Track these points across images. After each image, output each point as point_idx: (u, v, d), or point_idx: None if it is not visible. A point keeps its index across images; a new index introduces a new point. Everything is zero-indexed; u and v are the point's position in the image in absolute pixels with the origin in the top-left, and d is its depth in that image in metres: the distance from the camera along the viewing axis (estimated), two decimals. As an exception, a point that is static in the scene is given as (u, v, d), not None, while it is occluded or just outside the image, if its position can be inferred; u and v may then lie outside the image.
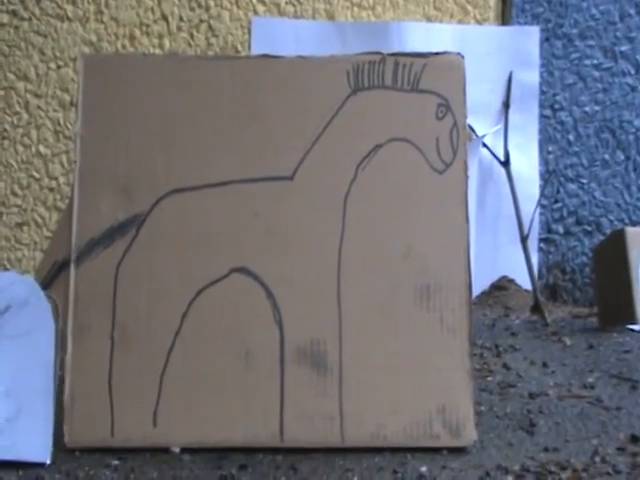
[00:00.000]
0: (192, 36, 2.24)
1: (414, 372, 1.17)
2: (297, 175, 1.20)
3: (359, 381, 1.17)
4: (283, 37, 2.21)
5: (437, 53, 1.22)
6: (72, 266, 1.18)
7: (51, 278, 1.18)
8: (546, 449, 1.17)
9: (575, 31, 2.43)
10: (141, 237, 1.18)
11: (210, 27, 2.24)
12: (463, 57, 1.22)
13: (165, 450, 1.14)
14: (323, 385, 1.17)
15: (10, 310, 1.11)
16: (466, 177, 1.20)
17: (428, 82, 1.21)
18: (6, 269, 2.21)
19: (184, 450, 1.14)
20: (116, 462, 1.11)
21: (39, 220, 2.24)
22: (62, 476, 1.07)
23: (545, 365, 1.65)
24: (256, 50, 2.17)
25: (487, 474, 1.07)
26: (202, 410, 1.16)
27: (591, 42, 2.44)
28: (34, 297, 1.13)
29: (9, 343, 1.11)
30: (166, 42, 2.23)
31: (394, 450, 1.15)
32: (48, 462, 1.09)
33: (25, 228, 2.24)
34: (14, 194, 2.24)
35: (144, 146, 1.20)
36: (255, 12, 2.25)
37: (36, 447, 1.10)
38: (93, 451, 1.14)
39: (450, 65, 1.22)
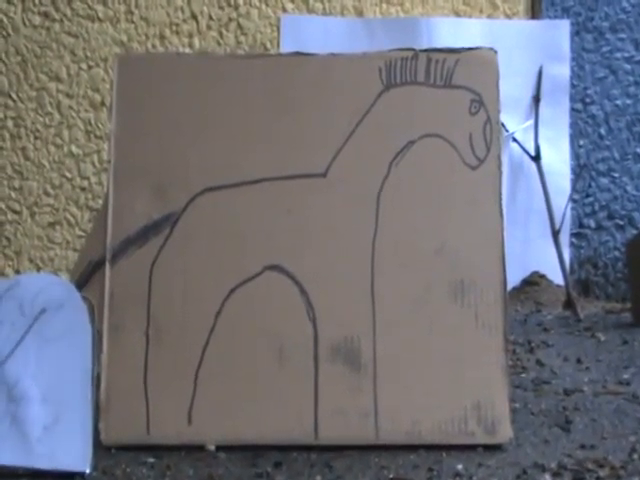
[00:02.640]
0: (221, 35, 2.24)
1: (449, 368, 1.17)
2: (330, 172, 1.20)
3: (393, 378, 1.16)
4: (312, 34, 2.21)
5: (470, 48, 1.21)
6: (107, 265, 1.18)
7: (86, 278, 1.19)
8: (583, 446, 1.16)
9: (606, 24, 2.41)
10: (175, 236, 1.19)
11: (239, 25, 2.25)
12: (496, 52, 1.21)
13: (200, 448, 1.15)
14: (357, 382, 1.17)
15: (46, 313, 1.10)
16: (500, 172, 1.19)
17: (461, 77, 1.20)
18: (39, 268, 2.23)
19: (219, 448, 1.15)
20: (152, 460, 1.12)
21: (71, 219, 2.26)
22: (99, 474, 1.08)
23: (579, 361, 1.64)
24: (285, 47, 2.17)
25: (524, 472, 1.07)
26: (237, 408, 1.16)
27: (622, 35, 2.41)
28: (70, 299, 1.11)
29: (45, 347, 1.09)
30: (196, 41, 2.23)
31: (429, 447, 1.15)
32: (87, 471, 1.07)
33: (57, 227, 2.25)
34: (46, 194, 2.25)
35: (177, 145, 1.20)
36: (284, 9, 2.25)
37: (75, 455, 1.07)
38: (129, 449, 1.14)
39: (483, 60, 1.21)
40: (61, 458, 1.06)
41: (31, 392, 1.08)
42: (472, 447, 1.15)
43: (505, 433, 1.15)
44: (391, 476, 1.07)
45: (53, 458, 1.06)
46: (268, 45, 2.25)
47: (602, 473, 1.06)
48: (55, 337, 1.10)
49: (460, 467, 1.09)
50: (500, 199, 1.19)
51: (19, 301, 1.10)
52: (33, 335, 1.09)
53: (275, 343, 1.17)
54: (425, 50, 1.21)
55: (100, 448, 1.14)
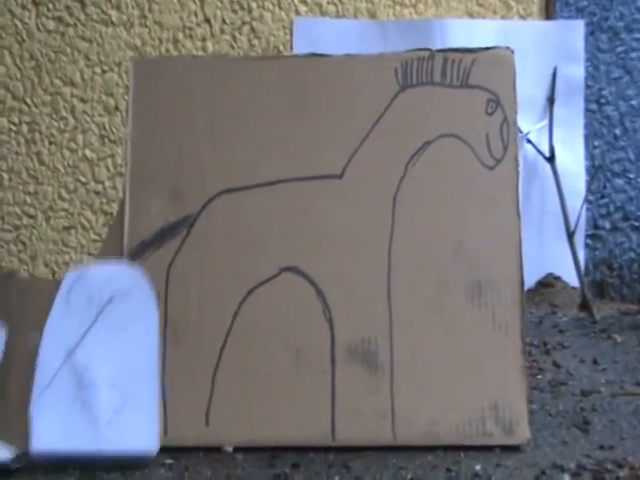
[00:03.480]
0: (235, 38, 2.24)
1: (466, 369, 1.16)
2: (346, 173, 1.20)
3: (411, 379, 1.16)
4: (325, 37, 2.21)
5: (486, 48, 1.21)
6: (124, 267, 1.19)
7: (103, 279, 1.20)
8: (602, 447, 1.15)
9: (621, 24, 2.40)
10: (192, 238, 1.19)
11: (252, 29, 2.25)
12: (513, 52, 1.21)
13: (218, 449, 1.15)
14: (374, 383, 1.17)
15: (113, 301, 1.12)
16: (517, 173, 1.19)
17: (477, 77, 1.20)
18: (54, 272, 2.24)
19: (237, 449, 1.15)
20: (170, 461, 1.12)
21: (86, 224, 2.26)
22: (118, 475, 1.08)
23: (596, 362, 1.63)
24: (298, 50, 2.17)
25: (543, 472, 1.06)
26: (254, 409, 1.16)
27: (637, 35, 2.40)
28: (137, 286, 1.14)
29: (114, 333, 1.12)
30: (209, 45, 2.24)
31: (446, 448, 1.15)
32: (155, 450, 1.10)
33: (72, 231, 2.26)
34: (61, 198, 2.26)
35: (193, 147, 1.21)
36: (297, 12, 2.26)
37: (144, 437, 1.10)
38: (147, 450, 1.15)
39: (500, 60, 1.21)
40: (130, 441, 1.09)
41: (100, 378, 1.11)
42: (490, 448, 1.15)
43: (523, 434, 1.15)
44: (409, 477, 1.07)
45: (122, 441, 1.09)
46: (281, 48, 2.25)
47: (621, 473, 1.06)
48: (123, 324, 1.12)
49: (478, 468, 1.09)
50: (517, 199, 1.19)
51: (88, 291, 1.13)
52: (101, 323, 1.12)
53: (292, 344, 1.17)
54: (441, 50, 1.21)
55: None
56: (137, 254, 1.19)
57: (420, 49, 1.22)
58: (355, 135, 1.20)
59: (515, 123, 1.20)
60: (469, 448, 1.15)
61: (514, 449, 1.14)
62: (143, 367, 1.12)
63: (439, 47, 1.23)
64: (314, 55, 1.23)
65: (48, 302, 1.12)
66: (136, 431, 1.10)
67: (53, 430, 1.09)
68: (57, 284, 1.13)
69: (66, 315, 1.12)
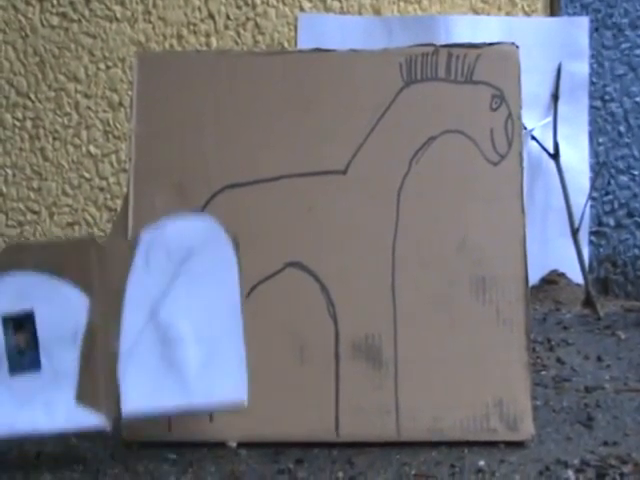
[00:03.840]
0: (239, 34, 2.24)
1: (470, 365, 1.16)
2: (350, 169, 1.20)
3: (415, 375, 1.16)
4: (329, 33, 2.21)
5: (491, 43, 1.21)
6: (128, 262, 1.19)
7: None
8: (605, 443, 1.15)
9: (625, 21, 2.39)
10: (196, 233, 1.19)
11: (257, 25, 2.25)
12: (517, 47, 1.20)
13: (222, 445, 1.15)
14: (378, 379, 1.17)
15: (192, 253, 1.10)
16: (521, 169, 1.19)
17: (482, 73, 1.20)
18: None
19: (241, 445, 1.15)
20: (174, 456, 1.12)
21: (90, 220, 2.27)
22: (121, 470, 1.08)
23: (600, 359, 1.63)
24: (302, 46, 2.17)
25: (547, 468, 1.06)
26: (258, 405, 1.15)
27: (642, 32, 2.40)
28: (214, 237, 1.11)
29: (194, 288, 1.10)
30: (213, 41, 2.24)
31: (450, 444, 1.15)
32: (244, 399, 1.07)
33: (76, 227, 2.26)
34: (65, 194, 2.26)
35: (198, 142, 1.21)
36: (301, 8, 2.26)
37: (232, 388, 1.08)
38: (150, 445, 1.15)
39: (504, 55, 1.21)
40: (219, 392, 1.08)
41: (185, 333, 1.09)
42: (494, 444, 1.14)
43: (527, 430, 1.15)
44: (413, 472, 1.07)
45: (211, 393, 1.08)
46: (286, 44, 2.25)
47: (625, 469, 1.06)
48: (203, 276, 1.10)
49: (482, 463, 1.09)
50: (522, 195, 1.18)
51: (166, 246, 1.11)
52: (182, 277, 1.10)
53: (296, 340, 1.17)
54: (446, 45, 1.21)
55: (122, 444, 1.15)
56: (141, 249, 1.19)
57: (424, 44, 1.21)
58: (359, 131, 1.20)
59: (520, 119, 1.20)
60: (473, 444, 1.15)
61: (518, 445, 1.14)
62: (226, 318, 1.09)
63: (444, 43, 1.22)
64: (318, 50, 1.23)
65: (128, 263, 1.10)
66: (225, 383, 1.08)
67: (142, 391, 1.07)
68: (135, 244, 1.10)
69: (146, 273, 1.09)
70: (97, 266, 1.09)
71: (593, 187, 2.35)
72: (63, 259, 1.09)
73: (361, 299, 1.17)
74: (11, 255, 1.10)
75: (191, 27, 2.24)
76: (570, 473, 1.05)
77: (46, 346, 1.07)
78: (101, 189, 2.27)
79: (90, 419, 1.06)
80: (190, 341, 1.09)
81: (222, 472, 1.07)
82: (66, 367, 1.07)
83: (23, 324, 1.08)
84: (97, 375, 1.07)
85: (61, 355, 1.07)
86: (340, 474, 1.07)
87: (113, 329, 1.08)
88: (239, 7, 2.25)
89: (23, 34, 2.24)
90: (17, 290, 1.08)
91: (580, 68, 2.34)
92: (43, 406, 1.06)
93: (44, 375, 1.07)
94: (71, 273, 1.08)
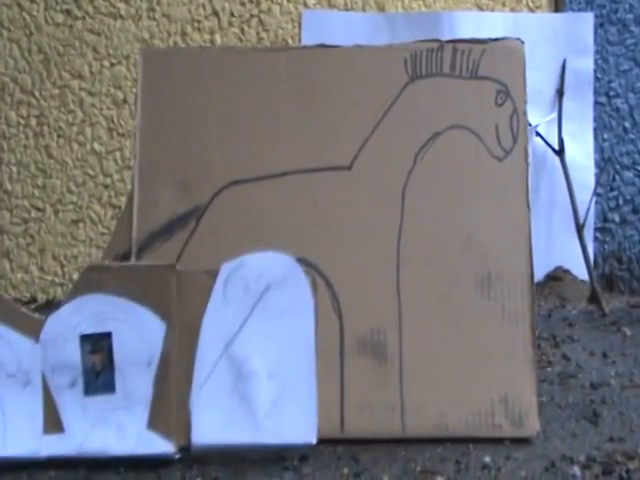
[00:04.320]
0: (243, 31, 2.24)
1: (475, 362, 1.16)
2: (355, 165, 1.19)
3: (420, 371, 1.16)
4: (334, 29, 2.20)
5: (496, 39, 1.21)
6: (133, 259, 1.19)
7: (112, 271, 1.19)
8: (611, 439, 1.15)
9: (630, 16, 2.38)
10: (201, 229, 1.19)
11: (261, 21, 2.25)
12: (523, 42, 1.20)
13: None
14: (383, 375, 1.16)
15: (269, 290, 1.11)
16: (527, 164, 1.18)
17: (487, 68, 1.20)
18: (62, 265, 2.24)
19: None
20: (179, 455, 1.12)
21: (94, 217, 2.27)
22: (126, 467, 1.08)
23: (605, 355, 1.63)
24: (307, 43, 2.17)
25: (552, 464, 1.06)
26: (263, 401, 1.16)
27: (647, 27, 2.39)
28: (293, 274, 1.12)
29: (270, 324, 1.10)
30: (217, 38, 2.23)
31: (456, 440, 1.15)
32: (314, 442, 1.08)
33: (81, 225, 2.26)
34: (70, 191, 2.26)
35: (203, 138, 1.21)
36: (305, 5, 2.25)
37: (302, 428, 1.09)
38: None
39: (509, 51, 1.20)
40: (288, 432, 1.09)
41: (258, 369, 1.10)
42: (499, 440, 1.14)
43: (532, 426, 1.15)
44: (418, 469, 1.06)
45: (281, 433, 1.09)
46: (290, 41, 2.24)
47: (632, 465, 1.05)
48: (279, 313, 1.11)
49: (488, 460, 1.08)
50: (527, 191, 1.18)
51: (245, 280, 1.11)
52: (258, 312, 1.11)
53: (301, 336, 1.17)
54: (451, 41, 1.20)
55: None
56: (146, 246, 1.19)
57: (429, 40, 1.21)
58: (364, 126, 1.20)
59: (525, 114, 1.20)
60: (478, 440, 1.14)
61: (524, 441, 1.14)
62: (301, 357, 1.10)
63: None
64: (323, 46, 1.23)
65: (206, 294, 1.11)
66: (295, 423, 1.09)
67: (212, 423, 1.09)
68: (214, 276, 1.11)
69: (224, 306, 1.11)
70: (176, 294, 1.10)
71: (598, 183, 2.35)
72: (143, 285, 1.10)
73: (366, 295, 1.17)
74: (92, 276, 1.11)
75: (195, 24, 2.24)
76: (576, 469, 1.05)
77: (121, 369, 1.09)
78: (105, 186, 2.27)
79: (160, 445, 1.08)
80: (263, 377, 1.10)
81: (228, 469, 1.07)
82: (139, 391, 1.09)
83: (100, 345, 1.10)
84: (170, 402, 1.09)
85: (135, 379, 1.09)
86: (345, 470, 1.07)
87: (188, 358, 1.10)
88: (243, 4, 2.24)
89: (27, 32, 2.24)
90: (96, 311, 1.10)
91: (585, 64, 2.33)
92: (115, 428, 1.08)
93: (118, 397, 1.09)
94: (150, 299, 1.10)
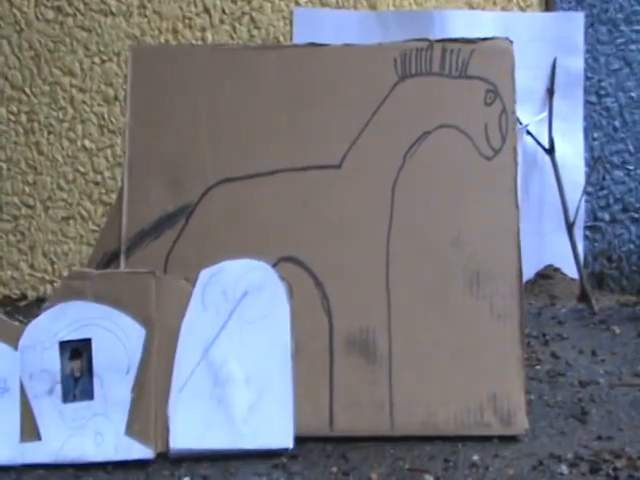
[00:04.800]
0: (234, 28, 2.24)
1: (464, 360, 1.17)
2: (345, 163, 1.20)
3: (409, 369, 1.17)
4: (325, 27, 2.20)
5: (485, 39, 1.21)
6: (122, 257, 1.19)
7: (101, 269, 1.19)
8: (599, 437, 1.16)
9: (620, 16, 2.39)
10: (190, 227, 1.19)
11: (252, 19, 2.24)
12: (512, 42, 1.21)
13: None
14: (372, 374, 1.17)
15: (247, 296, 1.12)
16: (515, 163, 1.19)
17: (476, 68, 1.20)
18: (52, 262, 2.24)
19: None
20: (168, 451, 1.12)
21: (84, 214, 2.26)
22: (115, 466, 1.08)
23: (594, 354, 1.63)
24: (298, 41, 2.16)
25: (540, 463, 1.07)
26: (252, 399, 1.16)
27: (637, 27, 2.40)
28: (269, 281, 1.14)
29: (247, 329, 1.12)
30: (209, 35, 2.23)
31: (444, 439, 1.15)
32: (290, 447, 1.10)
33: (71, 222, 2.26)
34: (60, 188, 2.26)
35: (193, 136, 1.21)
36: (297, 3, 2.25)
37: (278, 433, 1.10)
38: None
39: (498, 50, 1.21)
40: (265, 437, 1.10)
41: (236, 374, 1.11)
42: (488, 438, 1.15)
43: (521, 424, 1.15)
44: (407, 467, 1.07)
45: (257, 437, 1.10)
46: (281, 39, 2.24)
47: (619, 464, 1.06)
48: (257, 318, 1.13)
49: (476, 458, 1.09)
50: (516, 190, 1.19)
51: (223, 286, 1.13)
52: (236, 318, 1.12)
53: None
54: (440, 40, 1.21)
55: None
56: (135, 243, 1.19)
57: (419, 39, 1.21)
58: (354, 125, 1.20)
59: (514, 113, 1.20)
60: (467, 438, 1.15)
61: (512, 439, 1.15)
62: (277, 362, 1.12)
63: (439, 38, 1.22)
64: (313, 45, 1.23)
65: (185, 300, 1.12)
66: (271, 427, 1.10)
67: (191, 428, 1.09)
68: (193, 282, 1.13)
69: (202, 311, 1.12)
70: (156, 301, 1.11)
71: (588, 182, 2.35)
72: (124, 291, 1.11)
73: (355, 293, 1.18)
74: (72, 283, 1.12)
75: (186, 21, 2.23)
76: (564, 467, 1.05)
77: (100, 375, 1.10)
78: (96, 183, 2.26)
79: (138, 451, 1.08)
80: (240, 382, 1.11)
81: (216, 467, 1.08)
82: (118, 397, 1.09)
83: (80, 352, 1.10)
84: (148, 408, 1.09)
85: (114, 385, 1.09)
86: (334, 469, 1.07)
87: (167, 363, 1.11)
88: (234, 1, 2.24)
89: (18, 28, 2.23)
90: (77, 318, 1.10)
91: (575, 63, 2.33)
92: (93, 435, 1.08)
93: (96, 404, 1.09)
94: (130, 305, 1.10)
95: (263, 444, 1.10)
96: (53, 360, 1.09)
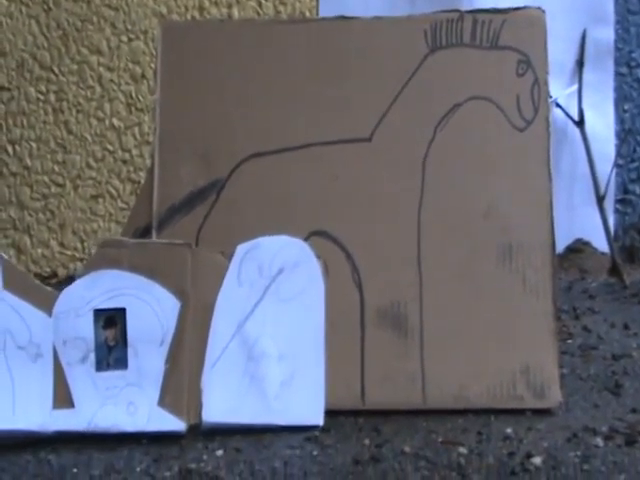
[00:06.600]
0: (260, 4, 2.23)
1: (497, 333, 1.16)
2: (375, 136, 1.19)
3: (440, 343, 1.16)
4: (351, 3, 2.19)
5: (517, 8, 1.19)
6: (154, 233, 1.19)
7: (133, 245, 1.20)
8: (634, 410, 1.15)
9: (652, -15, 2.36)
10: (221, 202, 1.19)
11: (278, -6, 2.23)
12: (544, 11, 1.19)
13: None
14: (404, 347, 1.17)
15: (283, 273, 1.12)
16: (548, 134, 1.18)
17: (508, 38, 1.19)
18: (82, 240, 2.25)
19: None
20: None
21: (113, 192, 2.27)
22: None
23: (626, 327, 1.62)
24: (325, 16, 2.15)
25: (575, 435, 1.06)
26: (284, 373, 1.16)
27: (669, -4, 2.36)
28: (305, 258, 1.13)
29: (282, 306, 1.12)
30: (235, 11, 2.22)
31: (477, 412, 1.15)
32: (321, 424, 1.10)
33: (100, 200, 2.27)
34: (89, 167, 2.27)
35: (222, 111, 1.20)
36: (323, -23, 2.23)
37: (309, 410, 1.11)
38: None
39: (530, 20, 1.19)
40: (296, 414, 1.10)
41: (269, 350, 1.11)
42: (521, 411, 1.14)
43: (554, 397, 1.15)
44: (440, 440, 1.07)
45: (288, 414, 1.10)
46: (307, 14, 2.23)
47: (654, 436, 1.05)
48: (291, 296, 1.12)
49: (509, 430, 1.09)
50: (548, 161, 1.17)
51: (258, 262, 1.12)
52: (271, 295, 1.12)
53: (322, 309, 1.17)
54: (471, 11, 1.19)
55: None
56: (166, 219, 1.20)
57: (449, 10, 1.20)
58: (384, 98, 1.19)
59: (546, 84, 1.19)
60: (500, 412, 1.15)
61: (545, 412, 1.14)
62: (310, 340, 1.12)
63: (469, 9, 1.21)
64: (342, 18, 1.22)
65: (221, 275, 1.12)
66: (302, 405, 1.11)
67: (223, 403, 1.10)
68: (229, 257, 1.12)
69: (238, 287, 1.12)
70: (191, 273, 1.11)
71: (619, 154, 2.33)
72: (159, 262, 1.10)
73: (386, 267, 1.17)
74: (108, 251, 1.11)
75: (212, -2, 2.23)
76: (599, 440, 1.05)
77: (134, 345, 1.09)
78: (124, 161, 2.27)
79: (170, 422, 1.08)
80: (274, 359, 1.11)
81: (249, 440, 1.08)
82: (152, 369, 1.09)
83: (114, 321, 1.10)
84: (181, 381, 1.09)
85: (148, 356, 1.09)
86: (366, 441, 1.07)
87: (201, 338, 1.10)
88: (260, -23, 2.23)
89: (46, 7, 2.24)
90: (111, 287, 1.10)
91: (605, 34, 2.30)
92: (126, 405, 1.08)
93: (130, 374, 1.09)
94: (166, 277, 1.10)
95: (294, 421, 1.10)
96: (87, 328, 1.09)
